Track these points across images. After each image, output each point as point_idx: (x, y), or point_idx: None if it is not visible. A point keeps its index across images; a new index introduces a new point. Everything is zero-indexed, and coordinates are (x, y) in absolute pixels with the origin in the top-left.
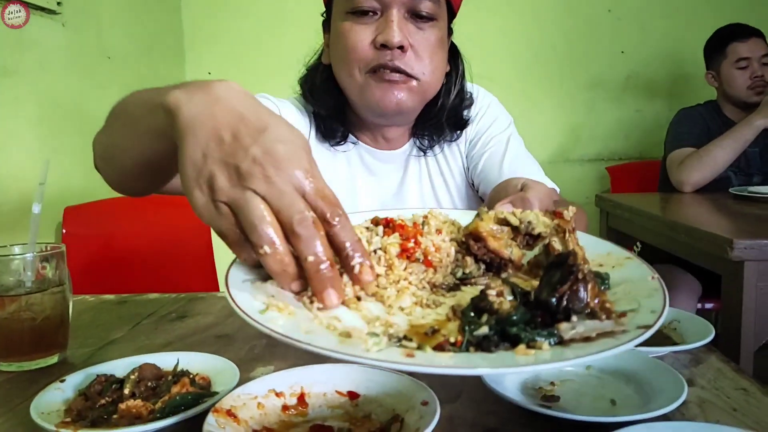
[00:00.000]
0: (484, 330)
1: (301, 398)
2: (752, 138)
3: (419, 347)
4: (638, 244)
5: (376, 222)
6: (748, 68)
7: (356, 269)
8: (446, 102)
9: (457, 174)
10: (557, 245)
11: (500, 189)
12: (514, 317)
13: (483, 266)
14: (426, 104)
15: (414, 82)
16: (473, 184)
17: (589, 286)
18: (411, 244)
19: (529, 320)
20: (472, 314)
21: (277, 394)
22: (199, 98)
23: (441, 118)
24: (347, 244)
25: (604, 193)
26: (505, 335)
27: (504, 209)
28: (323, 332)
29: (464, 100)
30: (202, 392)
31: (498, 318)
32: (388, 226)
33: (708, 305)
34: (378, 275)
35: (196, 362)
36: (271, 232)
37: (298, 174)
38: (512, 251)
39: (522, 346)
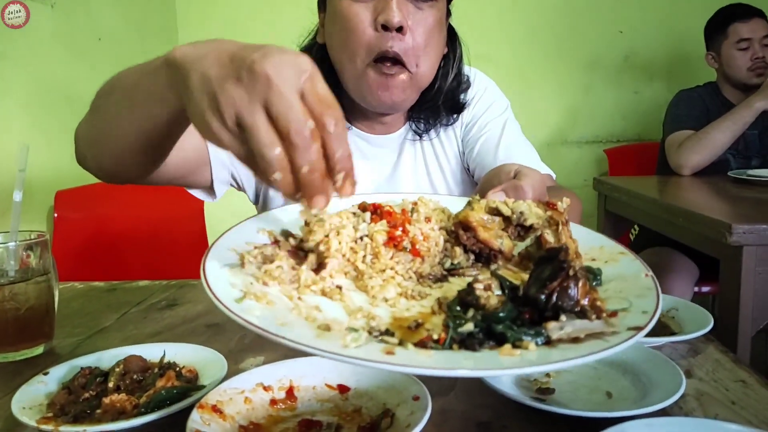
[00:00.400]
0: (469, 327)
1: (290, 392)
2: (752, 120)
3: (401, 343)
4: (636, 227)
5: (363, 208)
6: (749, 49)
7: (338, 183)
8: (443, 85)
9: (453, 158)
10: (549, 237)
11: (493, 175)
12: (501, 314)
13: (472, 257)
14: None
15: (411, 75)
16: (469, 169)
17: (580, 284)
18: (399, 232)
19: (516, 317)
20: (458, 308)
21: (265, 388)
22: (201, 44)
23: (437, 101)
24: (336, 155)
25: (602, 176)
26: (490, 333)
27: (496, 197)
28: (301, 324)
29: (461, 84)
30: (188, 386)
31: (484, 314)
32: (376, 212)
33: (705, 288)
34: (363, 263)
35: (184, 354)
36: (279, 157)
37: (298, 75)
38: (503, 242)
39: (507, 346)
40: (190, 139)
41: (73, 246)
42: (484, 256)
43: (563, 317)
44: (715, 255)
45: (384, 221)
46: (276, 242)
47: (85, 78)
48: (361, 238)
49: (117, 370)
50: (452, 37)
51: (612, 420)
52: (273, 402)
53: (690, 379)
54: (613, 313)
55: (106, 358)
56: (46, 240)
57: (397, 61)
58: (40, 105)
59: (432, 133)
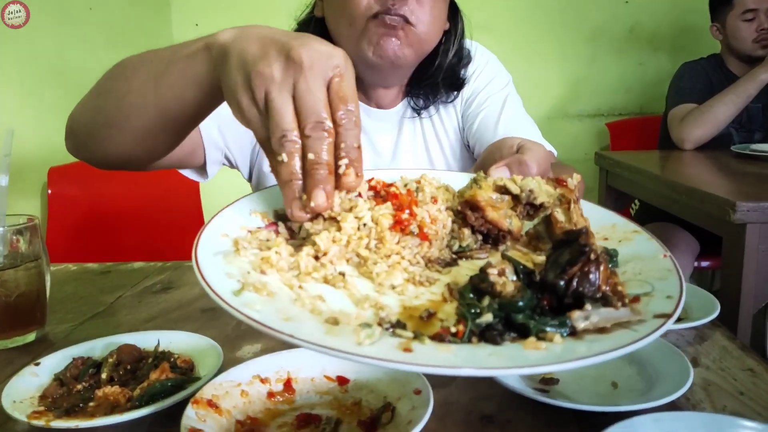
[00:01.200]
0: (488, 317)
1: (288, 384)
2: (755, 93)
3: (415, 336)
4: (636, 202)
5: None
6: (755, 20)
7: (341, 169)
8: (443, 62)
9: (452, 134)
10: (560, 216)
11: (494, 149)
12: (520, 303)
13: (480, 238)
14: (422, 63)
15: (413, 30)
16: (468, 145)
17: (601, 268)
18: (405, 215)
19: (536, 305)
20: (472, 296)
21: (262, 380)
22: (246, 28)
23: (437, 77)
24: (343, 145)
25: (603, 150)
26: (510, 323)
27: (500, 173)
28: (307, 318)
29: (462, 60)
30: (183, 378)
31: (501, 302)
32: (379, 194)
33: (705, 263)
34: (367, 249)
35: (179, 342)
36: (291, 141)
37: (330, 67)
38: (512, 222)
39: (532, 339)
40: None
41: (67, 223)
42: (492, 237)
43: (588, 306)
44: (718, 232)
45: (389, 203)
46: (271, 224)
47: (76, 49)
48: (365, 224)
49: (110, 360)
50: (454, 12)
51: (619, 414)
52: (270, 395)
53: (697, 368)
54: (636, 298)
55: (99, 346)
56: (36, 225)
57: (398, 15)
58: (31, 78)
59: (431, 110)
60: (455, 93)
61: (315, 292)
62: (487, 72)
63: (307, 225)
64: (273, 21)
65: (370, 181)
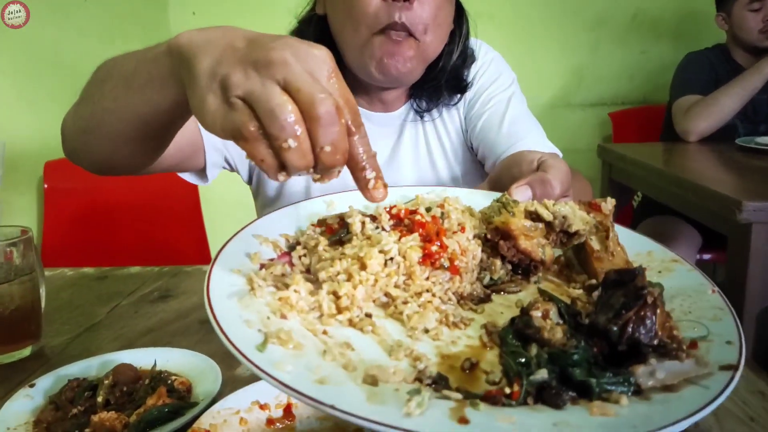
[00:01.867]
0: (543, 374)
1: (288, 410)
2: (761, 85)
3: (465, 396)
4: (639, 194)
5: (390, 215)
6: (762, 11)
7: (371, 184)
8: (447, 64)
9: (455, 136)
10: (595, 245)
11: (511, 163)
12: (575, 356)
13: (509, 267)
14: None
15: (419, 44)
16: (472, 147)
17: (658, 312)
18: (435, 247)
19: (592, 357)
20: (515, 342)
21: (261, 407)
22: (210, 29)
23: (440, 80)
24: (362, 156)
25: (605, 140)
26: (565, 378)
27: (521, 193)
28: (343, 377)
29: (466, 60)
30: (180, 403)
31: (552, 353)
32: (402, 223)
33: (706, 256)
34: (395, 287)
35: (176, 361)
36: (293, 120)
37: (320, 67)
38: (544, 251)
39: (597, 403)
40: (183, 129)
41: (64, 217)
42: (523, 267)
43: (653, 360)
44: (723, 231)
45: (416, 234)
46: (284, 255)
47: (72, 42)
48: (391, 259)
49: (106, 382)
50: (459, 13)
51: None
52: (270, 422)
53: None
54: (693, 344)
55: (95, 365)
56: (30, 237)
57: (404, 29)
58: (26, 72)
59: (434, 113)
60: (458, 96)
61: (341, 336)
62: (491, 71)
63: (326, 258)
64: (271, 14)
65: (391, 209)
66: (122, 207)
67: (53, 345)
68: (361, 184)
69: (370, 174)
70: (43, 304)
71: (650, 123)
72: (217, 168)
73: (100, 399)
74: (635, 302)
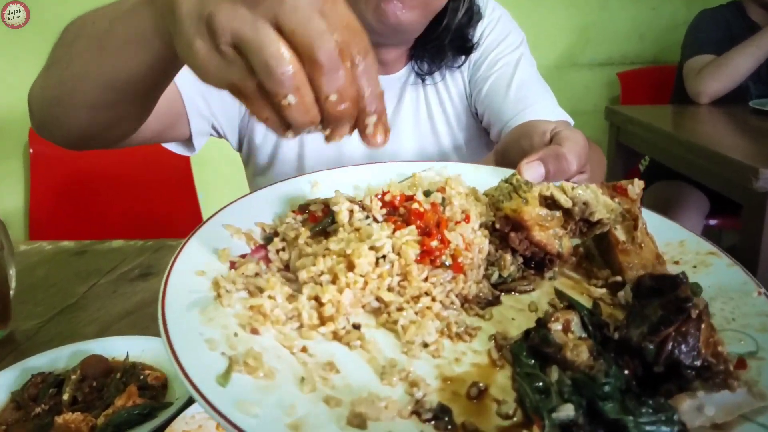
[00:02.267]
0: (569, 412)
1: None
2: None
3: None
4: (646, 158)
5: (382, 202)
6: None
7: (369, 129)
8: (451, 22)
9: (458, 101)
10: (620, 235)
11: (521, 134)
12: (606, 387)
13: (520, 260)
14: (429, 22)
15: None
16: (477, 113)
17: (702, 327)
18: (435, 243)
19: (624, 384)
20: (531, 361)
21: None
22: None
23: (444, 39)
24: (366, 92)
25: (613, 102)
26: (593, 411)
27: (533, 170)
28: (324, 417)
29: (472, 19)
30: (152, 404)
31: (576, 380)
32: (396, 212)
33: (712, 222)
34: (389, 290)
35: (150, 351)
36: (291, 72)
37: None
38: (561, 243)
39: None
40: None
41: (50, 182)
42: (536, 261)
43: (700, 394)
44: (737, 199)
45: (412, 227)
46: (259, 248)
47: (52, 4)
48: (384, 257)
49: (73, 377)
50: None
51: None
52: None
53: None
54: (741, 362)
55: (64, 356)
56: None
57: None
58: (6, 35)
59: (436, 76)
60: (463, 57)
61: (323, 355)
62: (498, 30)
63: (307, 254)
64: None
65: (383, 195)
66: (112, 174)
67: (25, 329)
68: (360, 126)
69: (371, 120)
70: (13, 285)
71: (660, 84)
72: (203, 136)
73: (65, 397)
74: (676, 316)
